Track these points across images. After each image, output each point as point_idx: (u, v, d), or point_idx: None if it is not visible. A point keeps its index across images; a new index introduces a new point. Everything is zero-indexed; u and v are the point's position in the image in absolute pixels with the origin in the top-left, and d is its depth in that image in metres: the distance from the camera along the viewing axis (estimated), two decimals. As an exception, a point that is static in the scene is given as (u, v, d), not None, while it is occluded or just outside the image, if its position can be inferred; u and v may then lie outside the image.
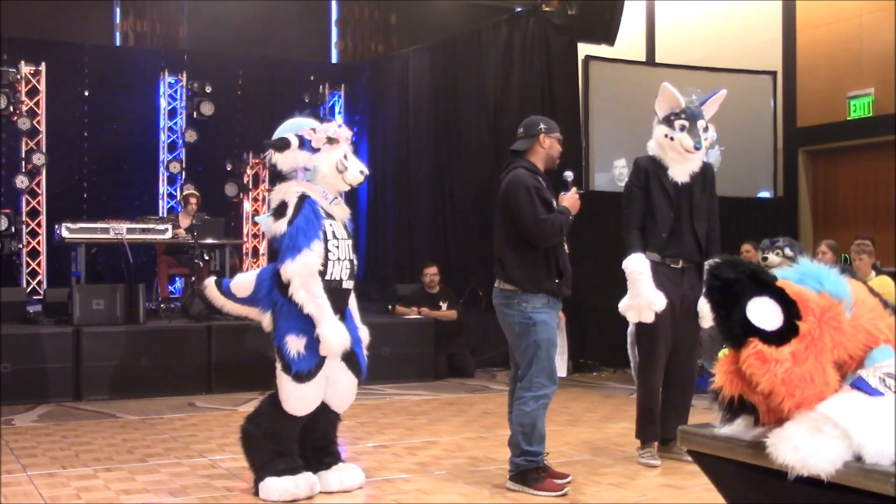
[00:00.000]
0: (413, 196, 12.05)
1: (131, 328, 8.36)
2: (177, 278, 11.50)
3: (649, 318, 5.36)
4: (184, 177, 12.49)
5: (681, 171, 5.43)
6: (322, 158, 4.75)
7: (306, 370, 4.60)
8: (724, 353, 2.75)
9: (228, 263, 10.57)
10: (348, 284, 4.82)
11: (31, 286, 11.36)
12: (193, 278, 9.87)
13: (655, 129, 5.52)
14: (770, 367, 2.53)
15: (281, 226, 4.62)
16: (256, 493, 4.70)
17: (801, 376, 2.52)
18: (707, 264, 2.67)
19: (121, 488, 4.95)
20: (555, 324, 4.93)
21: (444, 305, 9.75)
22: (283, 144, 4.72)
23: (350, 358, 4.83)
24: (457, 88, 11.32)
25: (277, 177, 4.98)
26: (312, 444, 4.90)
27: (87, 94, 12.23)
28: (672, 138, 5.37)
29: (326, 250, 4.65)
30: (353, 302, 5.00)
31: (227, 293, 4.89)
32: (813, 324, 2.58)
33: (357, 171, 4.86)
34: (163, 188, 12.66)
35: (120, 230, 9.66)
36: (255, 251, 12.98)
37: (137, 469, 5.43)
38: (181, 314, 9.18)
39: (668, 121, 5.42)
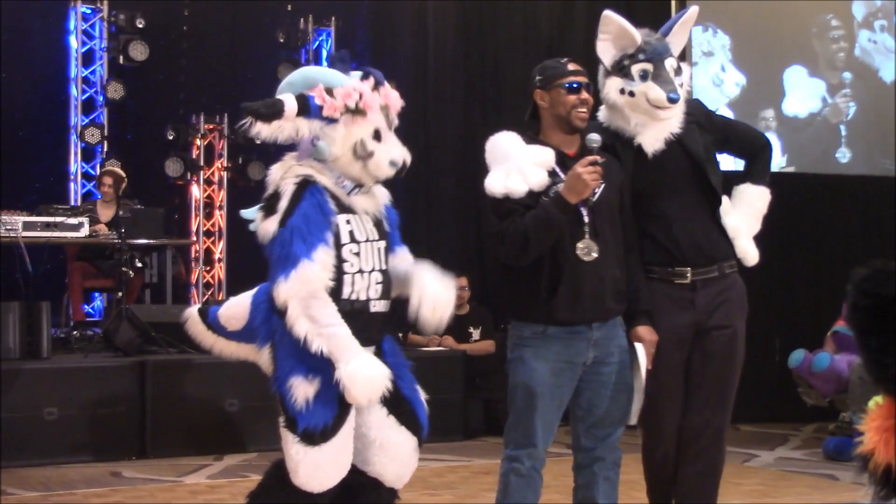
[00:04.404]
0: (433, 181, 12.07)
1: (30, 365, 8.44)
2: (96, 294, 11.58)
3: None
4: (105, 149, 12.53)
5: (652, 137, 5.11)
6: (336, 133, 4.48)
7: (321, 427, 4.35)
8: (875, 401, 2.80)
9: (170, 273, 10.55)
10: (379, 306, 4.65)
11: None
12: (120, 294, 9.85)
13: (605, 86, 5.17)
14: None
15: (271, 226, 4.39)
16: None
17: None
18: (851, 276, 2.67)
19: None
20: (540, 361, 4.76)
21: (475, 332, 9.72)
22: (271, 112, 4.40)
23: (402, 408, 4.65)
24: (496, 29, 11.40)
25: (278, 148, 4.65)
26: None
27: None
28: (633, 93, 5.06)
29: (341, 259, 4.44)
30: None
31: (215, 326, 4.74)
32: None
33: (386, 160, 4.54)
34: (75, 165, 12.68)
35: (14, 225, 9.70)
36: (209, 256, 12.93)
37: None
38: (103, 345, 9.24)
39: (620, 68, 5.09)
